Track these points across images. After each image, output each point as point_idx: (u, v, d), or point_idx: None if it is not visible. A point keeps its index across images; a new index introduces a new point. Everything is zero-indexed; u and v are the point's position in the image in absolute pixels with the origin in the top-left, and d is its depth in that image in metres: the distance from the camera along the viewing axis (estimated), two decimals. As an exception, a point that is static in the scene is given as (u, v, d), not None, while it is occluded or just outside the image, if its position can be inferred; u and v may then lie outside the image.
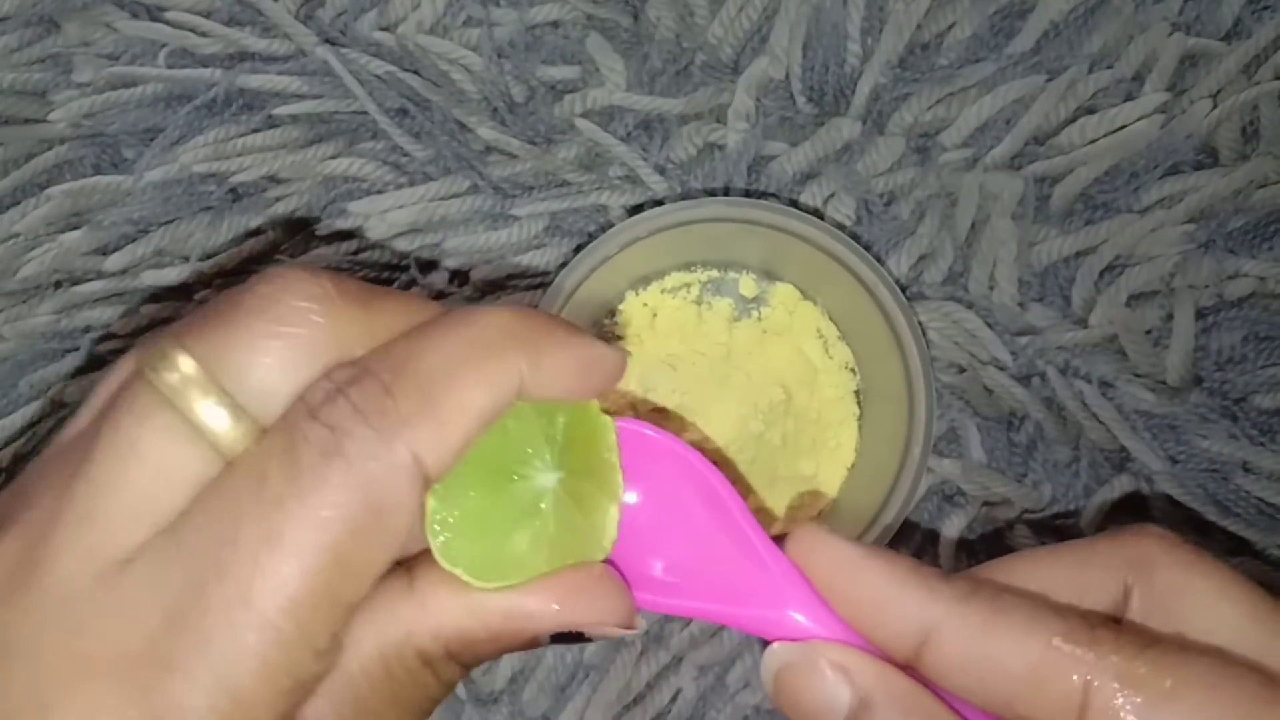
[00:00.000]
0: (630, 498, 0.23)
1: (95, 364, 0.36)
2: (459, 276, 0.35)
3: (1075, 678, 0.19)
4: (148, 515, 0.18)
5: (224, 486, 0.18)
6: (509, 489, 0.21)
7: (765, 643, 0.23)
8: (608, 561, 0.22)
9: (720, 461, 0.33)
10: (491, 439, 0.20)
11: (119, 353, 0.35)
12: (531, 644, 0.21)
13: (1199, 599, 0.21)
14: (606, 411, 0.22)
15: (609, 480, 0.22)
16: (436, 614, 0.19)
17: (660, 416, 0.34)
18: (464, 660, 0.20)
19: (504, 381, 0.20)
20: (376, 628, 0.20)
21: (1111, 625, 0.20)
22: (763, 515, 0.33)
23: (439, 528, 0.20)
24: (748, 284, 0.35)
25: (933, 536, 0.34)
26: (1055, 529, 0.34)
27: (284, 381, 0.19)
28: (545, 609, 0.20)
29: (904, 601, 0.21)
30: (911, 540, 0.34)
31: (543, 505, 0.21)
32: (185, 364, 0.18)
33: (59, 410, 0.36)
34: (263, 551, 0.17)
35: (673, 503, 0.24)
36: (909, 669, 0.21)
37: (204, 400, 0.18)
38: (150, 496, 0.18)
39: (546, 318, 0.21)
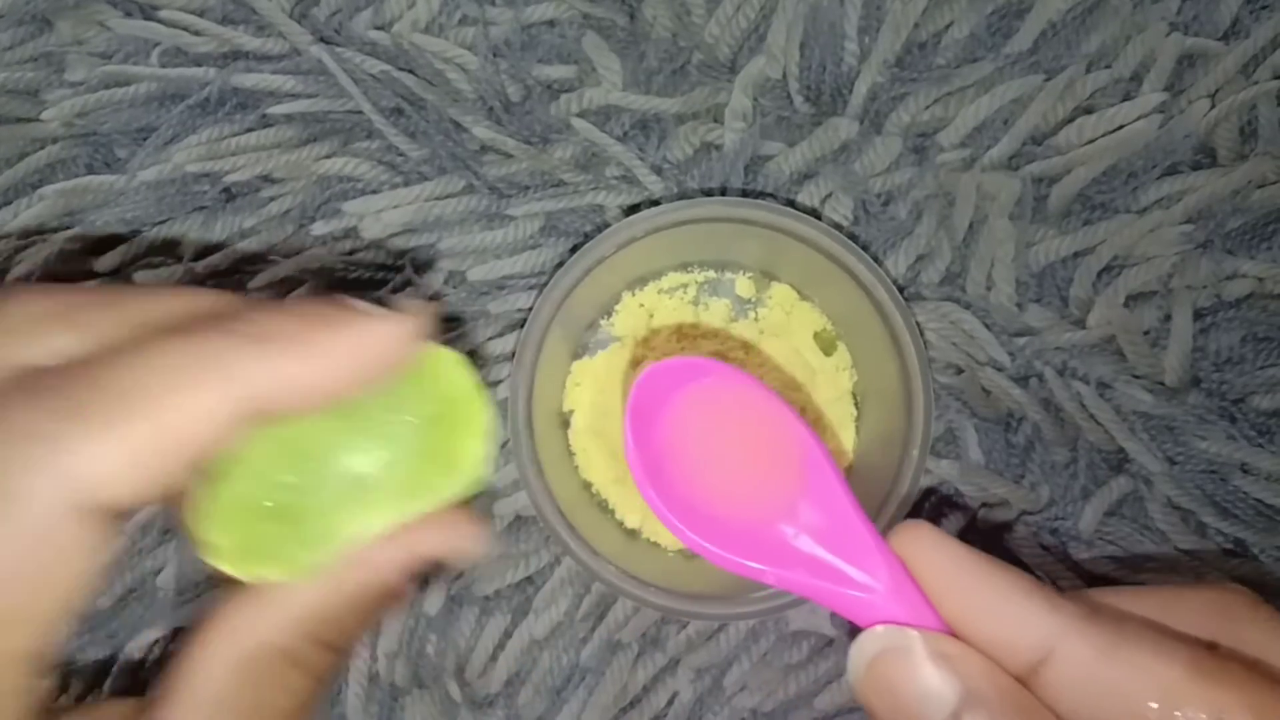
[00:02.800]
0: (735, 458, 0.23)
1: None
2: (455, 277, 0.35)
3: (1205, 714, 0.19)
4: None
5: None
6: (325, 472, 0.20)
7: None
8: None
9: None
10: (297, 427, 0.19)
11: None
12: (393, 598, 0.19)
13: None
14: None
15: (467, 415, 0.21)
16: (284, 603, 0.18)
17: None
18: (331, 640, 0.19)
19: (217, 398, 0.17)
20: (229, 641, 0.18)
21: (1239, 659, 0.20)
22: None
23: (220, 539, 0.19)
24: (745, 284, 0.35)
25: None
26: (1053, 530, 0.34)
27: None
28: (396, 552, 0.19)
29: (1026, 614, 0.20)
30: (909, 542, 0.34)
31: (369, 472, 0.20)
32: None
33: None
34: None
35: (775, 470, 0.23)
36: None
37: None
38: None
39: (271, 313, 0.19)
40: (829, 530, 0.22)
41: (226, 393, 0.17)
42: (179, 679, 0.19)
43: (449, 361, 0.21)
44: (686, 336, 0.34)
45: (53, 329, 0.18)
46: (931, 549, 0.21)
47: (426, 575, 0.35)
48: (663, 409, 0.25)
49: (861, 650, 0.21)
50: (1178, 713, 0.19)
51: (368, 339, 0.19)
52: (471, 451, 0.21)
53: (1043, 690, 0.20)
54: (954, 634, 0.21)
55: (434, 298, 0.35)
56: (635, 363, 0.34)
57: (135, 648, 0.35)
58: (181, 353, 0.17)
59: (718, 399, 0.24)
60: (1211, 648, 0.20)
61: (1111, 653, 0.19)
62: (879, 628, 0.21)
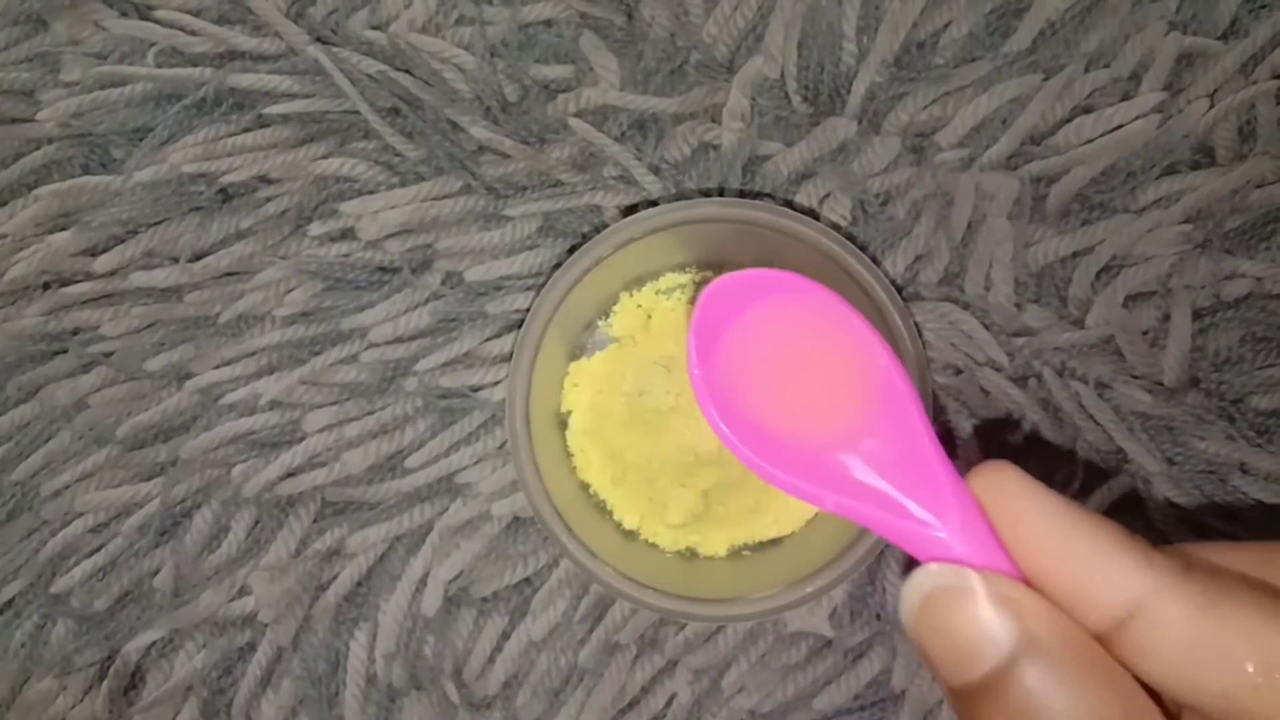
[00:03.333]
0: (805, 377, 0.21)
1: (84, 366, 0.35)
2: (452, 277, 0.35)
3: None
4: None
5: None
6: None
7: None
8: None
9: (718, 462, 0.33)
10: None
11: (108, 355, 0.35)
12: None
13: None
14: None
15: None
16: None
17: None
18: None
19: None
20: None
21: None
22: (760, 518, 0.33)
23: None
24: (743, 285, 0.35)
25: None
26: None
27: None
28: None
29: (1116, 567, 0.18)
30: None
31: None
32: None
33: (51, 413, 0.35)
34: None
35: (848, 393, 0.22)
36: None
37: None
38: None
39: None
40: (900, 462, 0.21)
41: None
42: None
43: None
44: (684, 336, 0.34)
45: None
46: (1013, 492, 0.20)
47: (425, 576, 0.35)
48: (731, 324, 0.23)
49: (915, 586, 0.20)
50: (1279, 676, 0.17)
51: None
52: None
53: (1126, 648, 0.19)
54: (1026, 580, 0.20)
55: (432, 299, 0.35)
56: (633, 364, 0.34)
57: (133, 649, 0.34)
58: None
59: (792, 315, 0.22)
60: None
61: (1210, 611, 0.18)
62: (934, 565, 0.20)
